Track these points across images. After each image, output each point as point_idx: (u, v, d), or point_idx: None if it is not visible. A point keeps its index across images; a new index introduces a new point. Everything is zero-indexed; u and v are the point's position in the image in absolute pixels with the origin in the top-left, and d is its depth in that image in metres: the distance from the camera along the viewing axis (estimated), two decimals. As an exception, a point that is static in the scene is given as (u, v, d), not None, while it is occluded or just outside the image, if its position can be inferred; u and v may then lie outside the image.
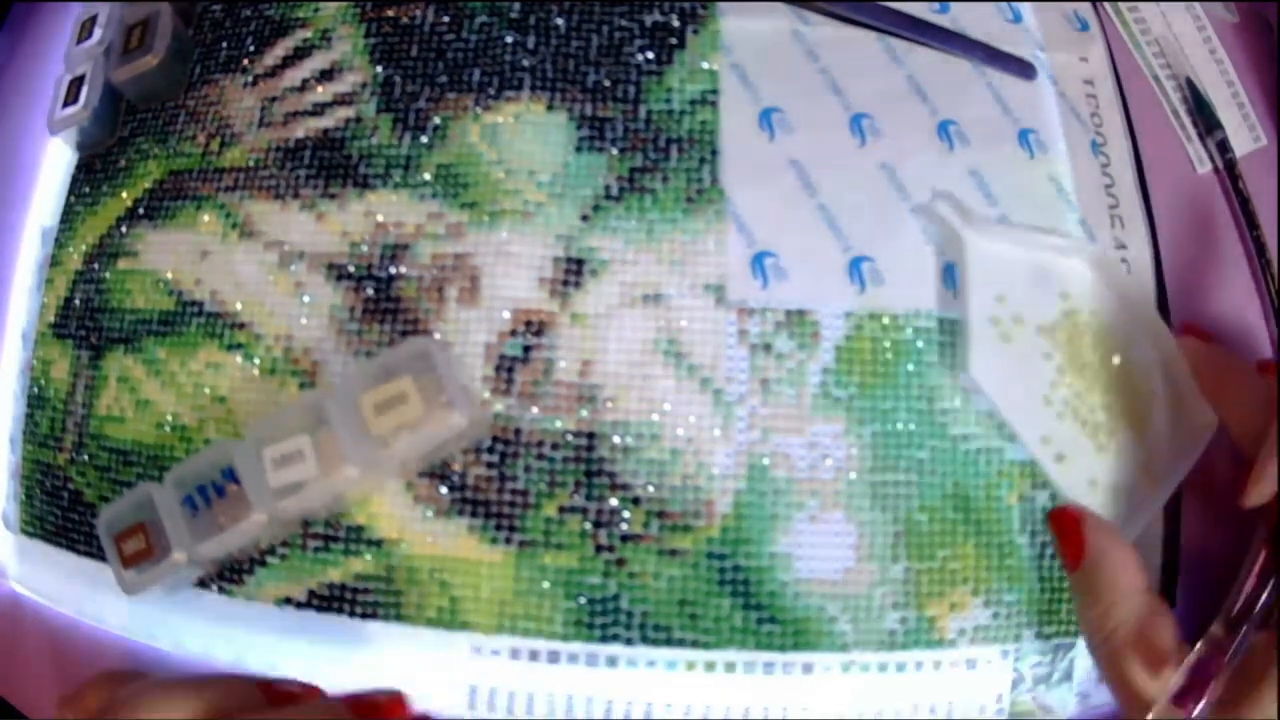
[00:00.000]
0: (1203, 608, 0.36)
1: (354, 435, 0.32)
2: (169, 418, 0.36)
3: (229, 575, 0.35)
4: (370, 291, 0.36)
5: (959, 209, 0.36)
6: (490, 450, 0.34)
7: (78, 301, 0.38)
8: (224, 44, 0.40)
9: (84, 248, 0.39)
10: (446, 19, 0.39)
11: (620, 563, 0.34)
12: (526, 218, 0.36)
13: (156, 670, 0.35)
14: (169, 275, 0.37)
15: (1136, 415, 0.36)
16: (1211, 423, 0.35)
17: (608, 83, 0.38)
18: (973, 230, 0.36)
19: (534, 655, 0.34)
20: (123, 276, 0.38)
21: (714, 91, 0.38)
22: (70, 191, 0.40)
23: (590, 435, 0.34)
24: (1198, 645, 0.29)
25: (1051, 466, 0.35)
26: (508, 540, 0.34)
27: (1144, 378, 0.36)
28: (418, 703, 0.34)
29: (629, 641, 0.33)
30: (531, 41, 0.38)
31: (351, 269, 0.36)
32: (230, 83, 0.39)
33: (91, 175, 0.40)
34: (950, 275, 0.36)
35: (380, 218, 0.37)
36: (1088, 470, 0.35)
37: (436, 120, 0.37)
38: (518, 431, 0.34)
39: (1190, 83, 0.42)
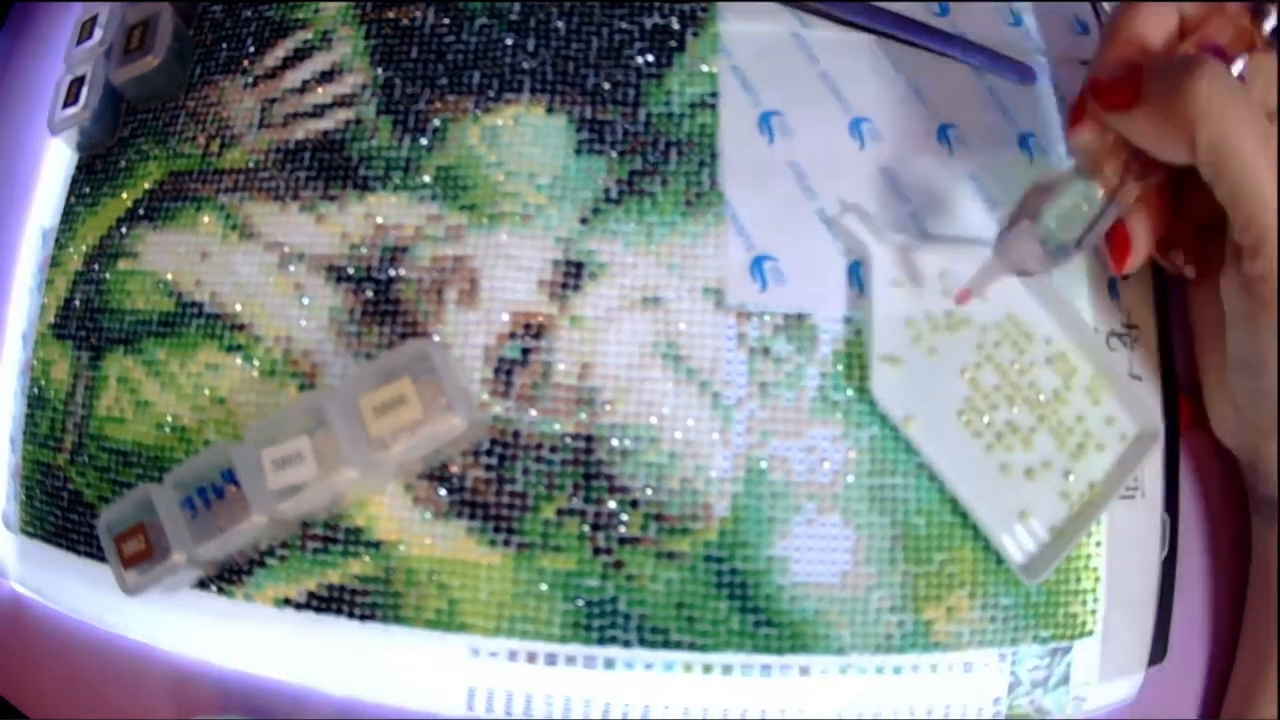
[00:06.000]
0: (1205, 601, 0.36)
1: (353, 437, 0.32)
2: (169, 419, 0.36)
3: (228, 576, 0.35)
4: (370, 293, 0.36)
5: (866, 220, 0.35)
6: (489, 453, 0.34)
7: (78, 302, 0.38)
8: (224, 45, 0.40)
9: (84, 248, 0.39)
10: (446, 21, 0.39)
11: (618, 565, 0.34)
12: (526, 220, 0.36)
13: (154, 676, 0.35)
14: (169, 276, 0.37)
15: (1064, 429, 0.35)
16: (1154, 433, 0.34)
17: (607, 85, 0.38)
18: (880, 241, 0.35)
19: (532, 657, 0.34)
20: (123, 277, 0.38)
21: (714, 94, 0.38)
22: (70, 192, 0.40)
23: (589, 438, 0.34)
24: None
25: (963, 487, 0.34)
26: (506, 542, 0.34)
27: (1074, 390, 0.35)
28: (416, 703, 0.34)
29: (627, 644, 0.33)
30: (531, 44, 0.38)
31: (351, 271, 0.36)
32: (230, 84, 0.39)
33: (92, 176, 0.40)
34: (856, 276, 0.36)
35: (380, 220, 0.37)
36: (1007, 491, 0.34)
37: (436, 122, 0.37)
38: (516, 434, 0.34)
39: (1190, 86, 0.42)
